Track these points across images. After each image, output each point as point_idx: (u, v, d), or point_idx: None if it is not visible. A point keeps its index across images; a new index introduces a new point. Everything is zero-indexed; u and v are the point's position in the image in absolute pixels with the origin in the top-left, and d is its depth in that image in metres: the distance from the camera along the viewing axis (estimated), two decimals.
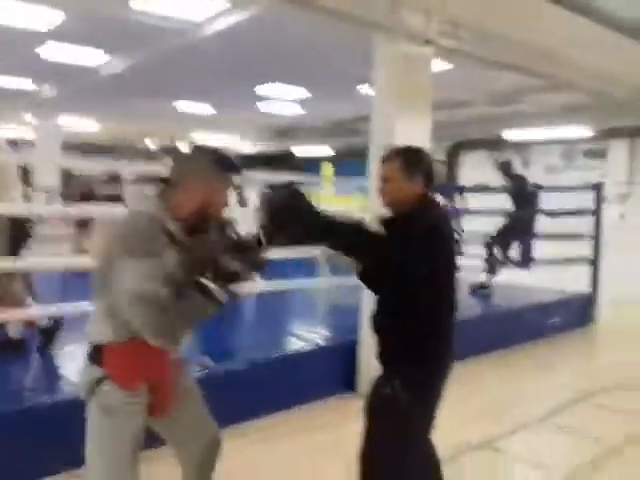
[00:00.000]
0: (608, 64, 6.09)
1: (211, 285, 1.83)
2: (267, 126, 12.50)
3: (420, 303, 2.08)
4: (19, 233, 3.82)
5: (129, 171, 9.80)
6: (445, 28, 4.35)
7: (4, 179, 3.60)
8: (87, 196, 9.90)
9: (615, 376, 4.95)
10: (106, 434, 1.83)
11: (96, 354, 1.85)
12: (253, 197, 7.32)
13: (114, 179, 10.24)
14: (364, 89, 8.10)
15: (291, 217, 2.08)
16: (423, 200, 2.19)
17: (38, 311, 3.76)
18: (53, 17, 5.81)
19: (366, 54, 4.35)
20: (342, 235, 2.20)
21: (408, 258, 2.04)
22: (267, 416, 3.78)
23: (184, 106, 10.46)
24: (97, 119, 11.83)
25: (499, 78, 7.06)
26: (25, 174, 4.07)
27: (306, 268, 6.20)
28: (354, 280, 2.21)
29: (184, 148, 13.14)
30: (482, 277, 6.82)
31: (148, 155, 12.07)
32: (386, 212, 2.26)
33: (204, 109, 10.64)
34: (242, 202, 6.79)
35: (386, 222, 2.26)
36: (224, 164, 1.97)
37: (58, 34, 6.41)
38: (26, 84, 9.37)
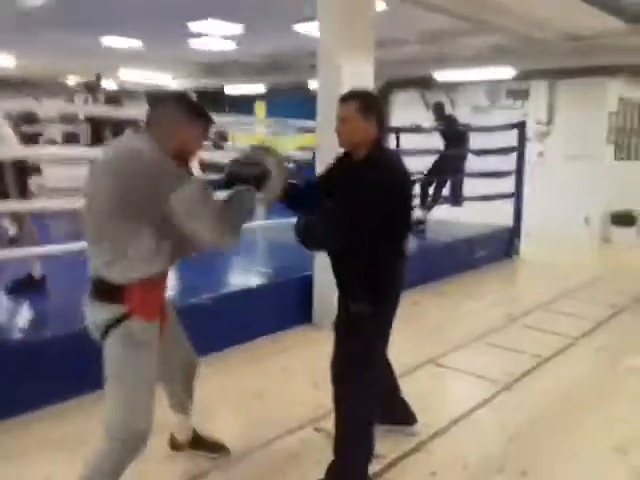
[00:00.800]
0: (537, 9, 6.42)
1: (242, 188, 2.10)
2: (199, 63, 12.19)
3: (381, 243, 2.28)
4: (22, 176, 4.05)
5: (49, 109, 9.43)
6: None
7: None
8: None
9: (536, 301, 5.50)
10: (134, 366, 1.94)
11: (114, 293, 1.92)
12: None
13: (33, 117, 9.78)
14: (301, 27, 8.08)
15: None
16: (377, 144, 2.37)
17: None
18: None
19: None
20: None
21: (369, 206, 2.22)
22: (229, 348, 3.95)
23: (111, 41, 10.01)
24: (15, 54, 11.13)
25: (431, 19, 7.23)
26: None
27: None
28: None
29: (108, 85, 12.62)
30: (418, 214, 7.19)
31: (70, 92, 11.52)
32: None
33: (132, 44, 10.23)
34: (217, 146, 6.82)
35: (342, 161, 2.46)
36: (195, 111, 2.05)
37: None
38: None
